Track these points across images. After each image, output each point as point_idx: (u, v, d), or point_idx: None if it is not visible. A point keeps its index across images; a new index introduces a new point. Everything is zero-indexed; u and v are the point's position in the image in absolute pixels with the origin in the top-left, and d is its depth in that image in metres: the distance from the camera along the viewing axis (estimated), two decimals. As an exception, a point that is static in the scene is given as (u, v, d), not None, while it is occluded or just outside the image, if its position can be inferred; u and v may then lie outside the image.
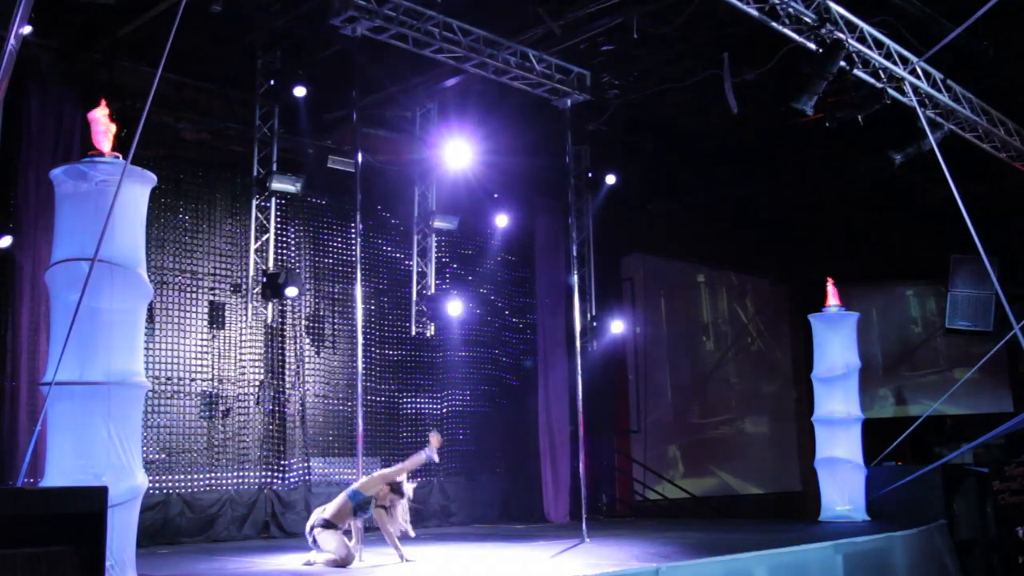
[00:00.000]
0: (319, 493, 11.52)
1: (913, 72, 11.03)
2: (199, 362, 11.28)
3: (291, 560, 8.59)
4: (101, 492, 5.23)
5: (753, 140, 13.81)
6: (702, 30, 10.83)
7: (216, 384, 11.35)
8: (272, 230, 11.75)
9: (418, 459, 8.64)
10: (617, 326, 14.92)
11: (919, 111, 11.08)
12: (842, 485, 12.91)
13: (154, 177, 7.44)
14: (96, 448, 6.68)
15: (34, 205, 9.69)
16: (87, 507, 5.07)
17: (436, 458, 8.70)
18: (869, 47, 10.50)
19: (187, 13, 6.50)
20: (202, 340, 11.35)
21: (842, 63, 10.10)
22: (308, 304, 12.29)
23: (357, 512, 8.10)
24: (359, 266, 10.00)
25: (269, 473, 11.59)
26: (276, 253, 11.82)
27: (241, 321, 11.62)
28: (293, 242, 12.23)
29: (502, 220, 14.00)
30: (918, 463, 13.64)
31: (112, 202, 6.62)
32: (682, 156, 14.67)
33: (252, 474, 11.46)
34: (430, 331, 13.26)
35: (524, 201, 14.44)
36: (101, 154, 7.13)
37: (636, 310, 16.42)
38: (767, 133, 13.55)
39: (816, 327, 13.63)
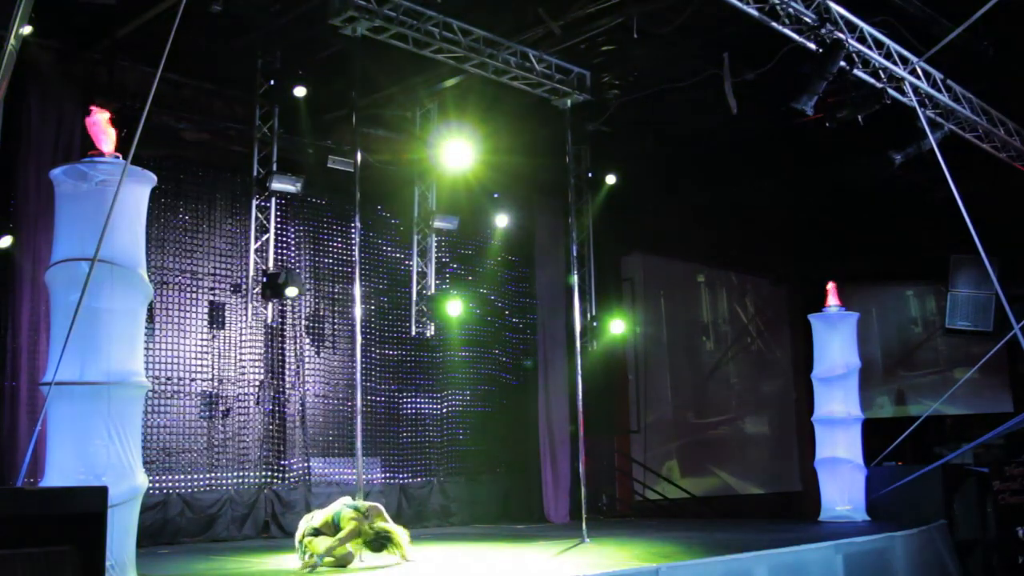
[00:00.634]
0: (319, 493, 11.53)
1: (913, 72, 11.03)
2: (199, 362, 11.28)
3: (291, 560, 8.58)
4: (101, 492, 5.23)
5: (753, 140, 13.81)
6: (702, 30, 10.82)
7: (216, 384, 11.35)
8: (272, 230, 11.75)
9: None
10: (617, 326, 14.91)
11: (919, 111, 11.09)
12: (842, 485, 12.91)
13: (154, 177, 7.44)
14: (96, 448, 6.68)
15: (34, 205, 9.69)
16: (87, 507, 5.07)
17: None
18: (869, 47, 10.50)
19: (187, 13, 6.51)
20: (202, 340, 11.35)
21: (842, 63, 10.11)
22: (308, 304, 12.29)
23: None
24: (359, 266, 9.98)
25: (269, 473, 11.59)
26: (276, 253, 11.82)
27: (241, 321, 11.62)
28: (293, 242, 12.23)
29: (502, 220, 14.00)
30: (918, 463, 13.62)
31: (112, 202, 6.62)
32: (682, 156, 14.67)
33: (252, 474, 11.45)
34: (430, 331, 13.26)
35: (524, 201, 14.44)
36: (101, 154, 7.13)
37: (636, 310, 16.42)
38: (767, 133, 13.55)
39: (816, 327, 13.63)
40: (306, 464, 11.87)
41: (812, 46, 10.07)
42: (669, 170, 15.07)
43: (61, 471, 6.62)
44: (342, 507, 7.97)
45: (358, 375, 9.52)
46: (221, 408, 11.33)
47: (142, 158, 7.53)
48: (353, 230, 12.10)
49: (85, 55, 10.35)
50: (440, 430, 13.41)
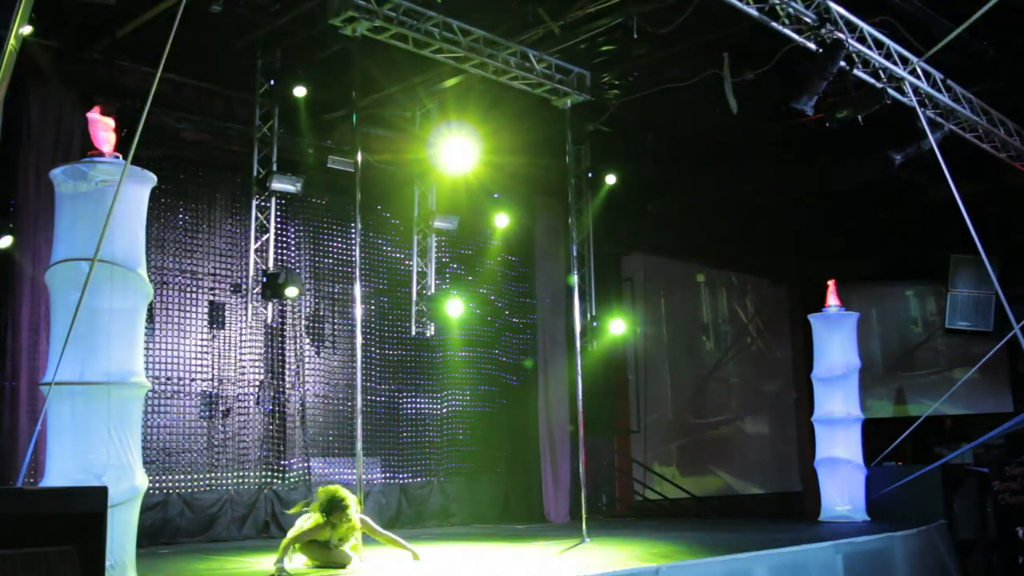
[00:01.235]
0: (319, 493, 11.52)
1: (913, 72, 11.03)
2: (199, 362, 11.27)
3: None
4: (101, 492, 5.23)
5: (753, 140, 13.81)
6: (702, 30, 10.81)
7: (216, 384, 11.35)
8: (272, 230, 11.75)
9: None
10: (617, 326, 14.91)
11: (919, 111, 11.08)
12: (842, 485, 12.90)
13: (154, 177, 7.43)
14: (96, 448, 6.67)
15: (34, 205, 9.69)
16: (87, 507, 5.07)
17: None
18: (869, 47, 10.50)
19: (187, 13, 6.50)
20: (202, 340, 11.35)
21: (842, 63, 10.11)
22: (308, 304, 12.29)
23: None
24: (359, 266, 9.99)
25: (269, 473, 11.59)
26: (276, 253, 11.82)
27: (241, 321, 11.62)
28: (293, 242, 12.23)
29: (502, 220, 14.00)
30: (918, 463, 13.63)
31: (112, 202, 6.61)
32: (682, 156, 14.67)
33: (252, 474, 11.45)
34: (430, 331, 13.25)
35: (524, 201, 14.44)
36: (101, 154, 7.13)
37: (636, 310, 16.42)
38: (767, 133, 13.55)
39: (816, 327, 13.62)
40: (306, 464, 11.87)
41: (812, 46, 10.06)
42: (669, 170, 15.07)
43: (61, 471, 6.61)
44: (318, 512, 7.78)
45: (358, 375, 9.52)
46: (221, 408, 11.33)
47: (142, 158, 7.53)
48: (353, 230, 12.11)
49: (85, 55, 10.34)
50: (440, 430, 13.41)
